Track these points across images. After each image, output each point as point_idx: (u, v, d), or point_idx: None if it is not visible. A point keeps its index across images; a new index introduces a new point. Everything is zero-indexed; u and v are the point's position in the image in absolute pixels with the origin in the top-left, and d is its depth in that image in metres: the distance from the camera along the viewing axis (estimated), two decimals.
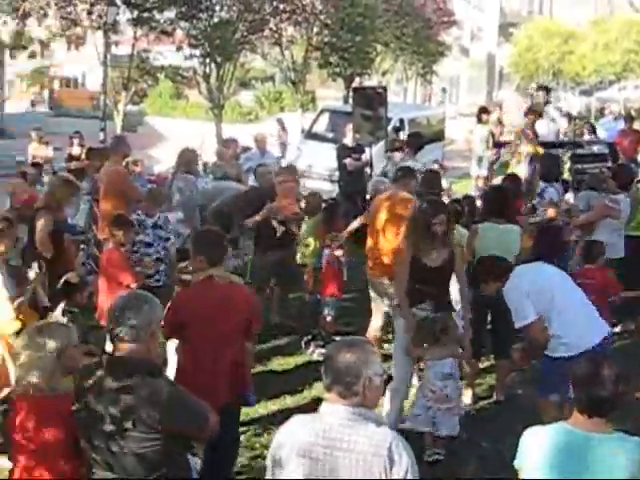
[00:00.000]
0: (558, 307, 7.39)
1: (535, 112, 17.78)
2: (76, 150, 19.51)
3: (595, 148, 19.59)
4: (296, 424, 4.53)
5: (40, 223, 9.59)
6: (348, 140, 16.90)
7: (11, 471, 5.42)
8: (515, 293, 7.52)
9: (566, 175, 15.99)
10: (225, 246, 7.30)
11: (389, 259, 9.54)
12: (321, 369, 4.49)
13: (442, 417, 8.01)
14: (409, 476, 4.28)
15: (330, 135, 22.14)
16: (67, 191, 10.17)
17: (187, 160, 12.14)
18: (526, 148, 16.64)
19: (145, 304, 4.97)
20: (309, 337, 11.00)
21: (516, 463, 4.86)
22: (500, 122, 20.57)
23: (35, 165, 14.86)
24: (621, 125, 22.33)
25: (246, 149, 17.86)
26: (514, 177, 12.79)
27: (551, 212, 11.80)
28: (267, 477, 4.57)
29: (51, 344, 5.20)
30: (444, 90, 61.31)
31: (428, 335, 8.07)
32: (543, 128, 18.74)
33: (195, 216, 11.96)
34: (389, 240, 9.68)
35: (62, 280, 8.83)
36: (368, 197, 14.08)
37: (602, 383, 4.62)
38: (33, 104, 49.16)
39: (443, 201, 9.74)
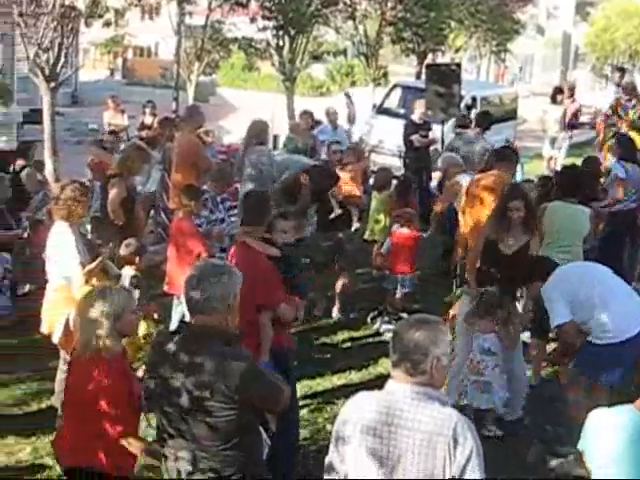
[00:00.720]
0: (602, 304, 7.33)
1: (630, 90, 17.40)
2: (148, 119, 19.70)
3: None
4: (361, 400, 4.51)
5: (113, 191, 9.68)
6: (416, 116, 16.77)
7: (60, 429, 5.54)
8: (554, 293, 7.45)
9: None
10: (263, 210, 7.31)
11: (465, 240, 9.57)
12: (387, 345, 4.47)
13: (471, 389, 8.03)
14: (473, 458, 4.24)
15: (402, 111, 21.99)
16: (140, 159, 10.27)
17: (258, 131, 12.10)
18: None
19: (224, 275, 4.94)
20: (375, 313, 10.99)
21: (580, 445, 4.81)
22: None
23: (112, 133, 15.02)
24: None
25: (317, 122, 17.80)
26: (593, 159, 12.56)
27: (619, 192, 11.62)
28: (330, 452, 4.56)
29: (108, 308, 5.32)
30: (520, 69, 60.65)
31: (479, 307, 8.07)
32: None
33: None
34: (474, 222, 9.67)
35: (122, 245, 8.95)
36: (438, 173, 14.02)
37: None
38: (112, 73, 49.68)
39: (522, 185, 9.58)
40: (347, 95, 20.60)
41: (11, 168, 13.18)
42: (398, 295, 10.89)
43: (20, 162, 13.05)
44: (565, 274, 7.60)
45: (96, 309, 5.33)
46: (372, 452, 4.33)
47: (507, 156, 10.11)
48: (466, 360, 8.17)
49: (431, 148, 17.17)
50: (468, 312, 8.28)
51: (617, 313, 7.31)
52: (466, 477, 4.26)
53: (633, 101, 17.17)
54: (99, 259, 8.01)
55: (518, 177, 13.29)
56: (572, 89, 21.22)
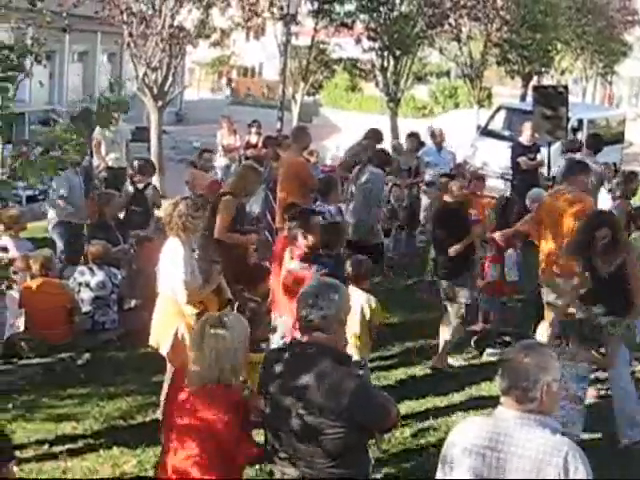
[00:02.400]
0: None
1: None
2: (254, 138, 19.90)
3: None
4: (470, 425, 4.50)
5: (225, 210, 9.77)
6: (524, 138, 16.69)
7: (163, 455, 5.42)
8: None
9: None
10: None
11: (551, 260, 9.47)
12: (497, 369, 4.43)
13: (574, 417, 7.89)
14: None
15: (506, 133, 21.86)
16: (255, 179, 10.39)
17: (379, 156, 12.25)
18: None
19: (336, 293, 4.95)
20: (478, 336, 10.90)
21: None
22: None
23: (205, 151, 15.25)
24: None
25: (422, 144, 17.78)
26: None
27: None
28: (438, 476, 4.54)
29: (229, 337, 5.14)
30: (635, 94, 59.67)
31: (575, 333, 7.97)
32: None
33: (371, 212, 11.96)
34: (551, 239, 9.61)
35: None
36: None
37: None
38: (218, 90, 50.46)
39: (609, 212, 9.42)
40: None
41: (130, 185, 13.38)
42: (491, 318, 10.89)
43: (139, 178, 13.25)
44: None
45: (217, 339, 5.13)
46: (478, 476, 4.29)
47: (573, 168, 10.07)
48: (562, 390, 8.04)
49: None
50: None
51: None
52: None
53: None
54: (216, 278, 8.15)
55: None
56: None
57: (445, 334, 10.09)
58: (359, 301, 8.06)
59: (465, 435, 4.42)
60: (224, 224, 9.72)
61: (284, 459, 4.89)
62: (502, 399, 4.39)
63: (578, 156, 14.41)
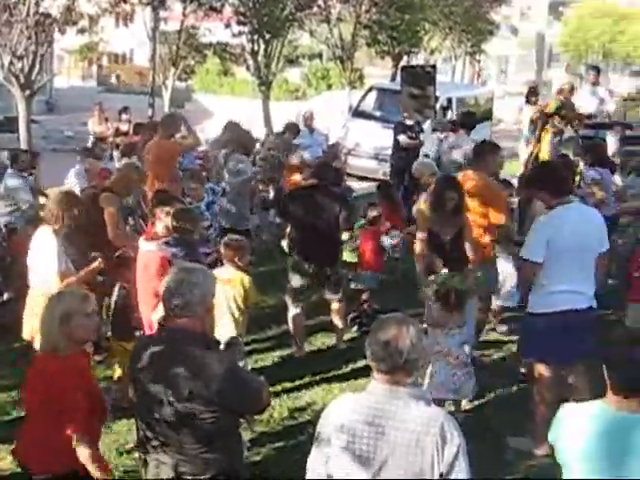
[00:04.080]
0: (555, 256, 7.35)
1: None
2: (124, 126, 19.67)
3: None
4: (344, 402, 4.54)
5: (109, 208, 9.53)
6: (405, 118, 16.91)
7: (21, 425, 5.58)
8: (543, 228, 7.54)
9: (614, 157, 15.94)
10: None
11: None
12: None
13: (463, 381, 8.13)
14: (460, 455, 4.30)
15: (378, 113, 22.08)
16: (136, 178, 10.24)
17: (244, 141, 12.21)
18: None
19: (198, 278, 4.97)
20: (353, 314, 10.98)
21: (551, 438, 4.79)
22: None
23: (100, 140, 15.02)
24: None
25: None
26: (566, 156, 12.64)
27: (598, 193, 11.66)
28: (312, 453, 4.58)
29: (57, 309, 5.40)
30: (502, 71, 60.77)
31: (444, 304, 8.18)
32: (591, 109, 18.59)
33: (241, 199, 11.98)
34: None
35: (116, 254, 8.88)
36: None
37: (636, 363, 4.45)
38: (88, 78, 49.63)
39: (456, 177, 9.63)
40: None
41: None
42: (365, 295, 11.00)
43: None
44: (558, 214, 7.62)
45: (48, 310, 5.47)
46: (358, 453, 4.35)
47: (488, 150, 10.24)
48: (448, 357, 8.22)
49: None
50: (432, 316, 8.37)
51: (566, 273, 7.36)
52: (454, 474, 4.31)
53: None
54: (90, 268, 8.07)
55: None
56: (534, 89, 21.38)
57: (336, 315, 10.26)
58: (234, 279, 8.12)
59: (340, 411, 4.46)
60: (113, 223, 9.49)
61: (157, 447, 4.88)
62: (374, 374, 4.45)
63: (453, 135, 14.69)
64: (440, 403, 7.79)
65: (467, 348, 8.27)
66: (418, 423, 4.28)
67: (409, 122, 16.72)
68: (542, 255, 7.35)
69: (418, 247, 8.89)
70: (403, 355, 4.34)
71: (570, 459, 4.62)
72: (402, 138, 16.52)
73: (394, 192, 11.97)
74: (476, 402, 8.68)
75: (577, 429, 4.61)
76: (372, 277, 11.00)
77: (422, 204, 9.68)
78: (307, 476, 4.63)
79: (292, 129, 16.90)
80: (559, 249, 7.29)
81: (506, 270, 10.33)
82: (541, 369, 7.67)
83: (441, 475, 4.29)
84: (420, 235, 8.91)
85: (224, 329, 7.89)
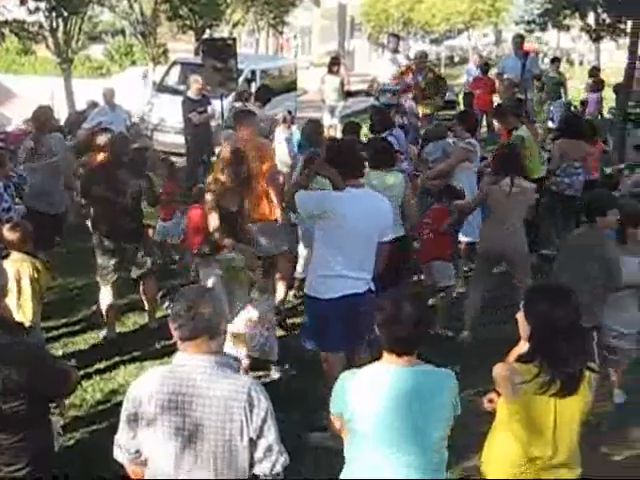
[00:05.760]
0: (337, 240, 7.24)
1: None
2: None
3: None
4: (151, 375, 4.56)
5: None
6: (192, 93, 16.89)
7: None
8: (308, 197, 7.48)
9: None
10: None
11: None
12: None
13: (271, 341, 8.55)
14: (269, 419, 4.41)
15: (181, 87, 21.93)
16: None
17: (45, 119, 11.87)
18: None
19: None
20: (164, 291, 10.96)
21: (335, 410, 4.90)
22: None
23: None
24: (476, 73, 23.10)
25: (95, 104, 17.59)
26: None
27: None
28: (120, 429, 4.59)
29: None
30: (305, 43, 61.16)
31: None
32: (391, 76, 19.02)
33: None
34: None
35: None
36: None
37: (403, 322, 4.65)
38: None
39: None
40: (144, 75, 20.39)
41: None
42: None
43: None
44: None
45: None
46: (167, 424, 4.39)
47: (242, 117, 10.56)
48: (264, 323, 8.47)
49: (213, 124, 17.27)
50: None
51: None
52: (263, 438, 4.43)
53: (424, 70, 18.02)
54: None
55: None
56: (336, 59, 21.79)
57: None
58: (22, 266, 7.95)
59: (147, 385, 4.48)
60: None
61: None
62: (178, 344, 4.49)
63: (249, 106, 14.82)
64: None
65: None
66: (225, 390, 4.36)
67: (195, 97, 16.79)
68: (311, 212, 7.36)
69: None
70: (203, 319, 4.40)
71: (361, 423, 4.74)
72: (192, 115, 16.60)
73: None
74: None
75: (361, 393, 4.74)
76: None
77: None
78: (115, 453, 4.63)
79: (92, 107, 16.67)
80: (341, 234, 7.15)
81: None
82: (325, 355, 7.59)
83: (251, 440, 4.39)
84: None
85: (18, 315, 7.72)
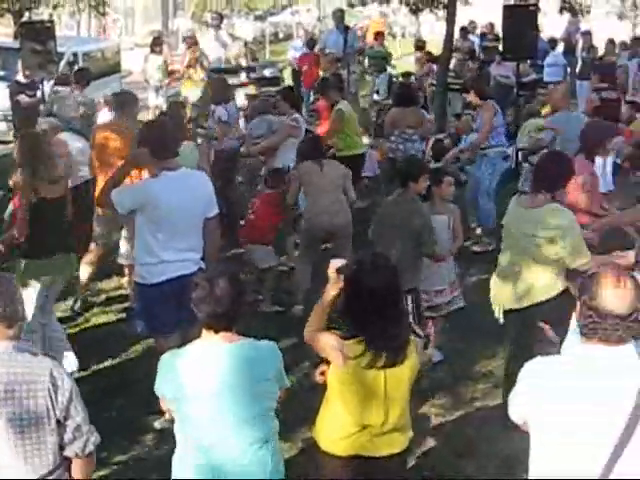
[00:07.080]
0: (160, 225, 7.20)
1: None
2: None
3: (267, 72, 20.27)
4: None
5: None
6: (21, 77, 16.50)
7: None
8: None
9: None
10: None
11: None
12: None
13: None
14: (74, 397, 4.45)
15: (1, 73, 21.39)
16: None
17: None
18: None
19: None
20: None
21: (163, 392, 4.91)
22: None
23: None
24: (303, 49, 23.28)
25: None
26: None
27: (219, 131, 12.18)
28: None
29: None
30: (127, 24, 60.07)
31: None
32: (215, 54, 19.08)
33: None
34: None
35: None
36: None
37: (218, 299, 4.68)
38: None
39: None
40: None
41: None
42: None
43: None
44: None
45: None
46: None
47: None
48: None
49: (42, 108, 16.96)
50: None
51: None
52: (71, 418, 4.46)
53: None
54: None
55: None
56: (158, 39, 21.75)
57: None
58: None
59: None
60: None
61: None
62: None
63: (66, 89, 14.65)
64: None
65: None
66: (26, 373, 4.36)
67: (24, 81, 16.43)
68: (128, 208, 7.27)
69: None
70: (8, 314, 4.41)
71: (193, 402, 4.77)
72: (22, 97, 16.24)
73: None
74: None
75: (191, 372, 4.77)
76: None
77: None
78: None
79: None
80: (161, 218, 7.12)
81: None
82: (160, 342, 7.49)
83: (58, 421, 4.43)
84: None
85: None
